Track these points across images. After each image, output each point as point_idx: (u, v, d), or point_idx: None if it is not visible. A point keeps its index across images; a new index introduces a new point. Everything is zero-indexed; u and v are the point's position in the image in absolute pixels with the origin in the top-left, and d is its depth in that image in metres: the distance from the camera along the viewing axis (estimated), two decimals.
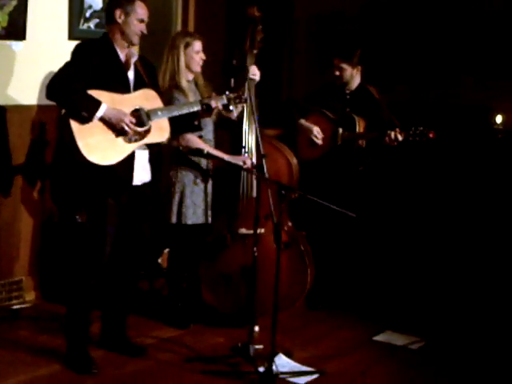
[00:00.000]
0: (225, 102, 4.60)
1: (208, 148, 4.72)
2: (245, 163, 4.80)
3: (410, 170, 6.23)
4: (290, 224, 5.07)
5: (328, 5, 6.97)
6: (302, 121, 5.60)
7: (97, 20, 5.52)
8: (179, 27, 6.40)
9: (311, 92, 5.79)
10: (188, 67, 4.93)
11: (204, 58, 4.96)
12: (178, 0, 6.44)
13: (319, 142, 5.52)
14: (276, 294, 4.21)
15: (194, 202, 4.90)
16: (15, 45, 5.13)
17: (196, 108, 4.51)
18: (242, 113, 4.92)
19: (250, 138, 4.89)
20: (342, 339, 5.06)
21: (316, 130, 5.52)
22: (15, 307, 5.20)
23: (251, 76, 4.82)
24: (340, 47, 5.64)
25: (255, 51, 4.86)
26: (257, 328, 4.91)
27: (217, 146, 4.99)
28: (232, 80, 4.63)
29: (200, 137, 4.90)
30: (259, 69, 4.92)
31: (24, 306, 5.26)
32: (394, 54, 6.65)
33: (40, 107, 5.25)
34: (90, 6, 5.48)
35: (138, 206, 4.42)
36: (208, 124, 4.95)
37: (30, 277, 5.42)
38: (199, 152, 4.43)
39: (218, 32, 6.50)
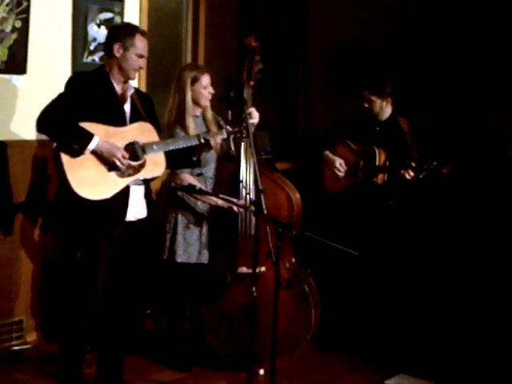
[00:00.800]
0: (224, 136, 4.42)
1: (202, 186, 4.58)
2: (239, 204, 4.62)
3: (431, 204, 6.01)
4: (293, 261, 4.86)
5: (343, 34, 6.82)
6: (327, 152, 5.43)
7: (101, 53, 5.38)
8: (189, 59, 6.27)
9: (341, 119, 5.61)
10: (196, 103, 4.75)
11: (212, 91, 4.78)
12: (188, 31, 6.33)
13: (341, 174, 5.35)
14: (274, 336, 3.98)
15: (187, 240, 4.71)
16: (15, 79, 5.03)
17: (193, 142, 4.34)
18: (239, 147, 4.71)
19: (247, 173, 4.69)
20: (354, 383, 4.82)
21: (338, 163, 5.35)
22: (15, 348, 5.06)
23: (251, 121, 4.61)
24: (369, 79, 5.47)
25: (252, 82, 4.66)
26: (262, 371, 4.75)
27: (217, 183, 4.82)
28: (229, 112, 4.45)
29: (200, 174, 4.74)
30: (261, 107, 4.75)
31: (24, 347, 5.12)
32: (416, 84, 6.48)
33: (41, 142, 5.10)
34: (95, 39, 5.38)
35: (132, 244, 4.24)
36: (210, 161, 4.77)
37: (31, 317, 5.26)
38: (191, 188, 4.24)
39: (229, 63, 6.35)
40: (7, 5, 4.85)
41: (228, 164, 4.80)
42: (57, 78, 5.13)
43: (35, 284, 5.27)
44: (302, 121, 7.21)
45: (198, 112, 4.82)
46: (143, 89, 5.74)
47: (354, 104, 5.62)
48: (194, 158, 4.42)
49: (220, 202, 4.62)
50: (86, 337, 4.27)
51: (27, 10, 4.96)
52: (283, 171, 6.51)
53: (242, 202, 4.63)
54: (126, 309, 4.35)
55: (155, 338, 5.34)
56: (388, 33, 6.70)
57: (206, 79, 4.75)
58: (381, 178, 5.25)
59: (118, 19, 5.50)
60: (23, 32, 4.96)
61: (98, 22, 5.40)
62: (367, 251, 5.14)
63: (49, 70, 5.18)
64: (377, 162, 5.24)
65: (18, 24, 4.93)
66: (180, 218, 4.71)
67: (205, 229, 4.76)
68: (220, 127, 4.74)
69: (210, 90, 4.77)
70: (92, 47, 5.39)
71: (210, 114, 4.85)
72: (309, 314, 4.71)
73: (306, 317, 4.71)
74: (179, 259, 4.70)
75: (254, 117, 4.72)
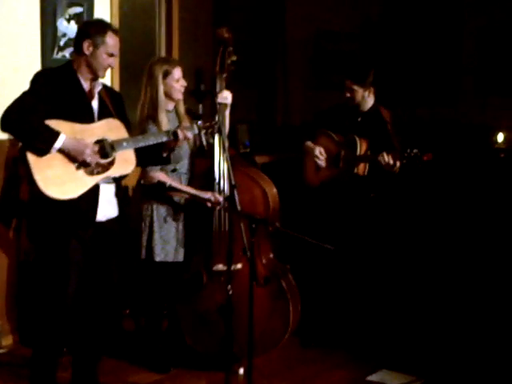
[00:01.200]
0: (196, 131, 4.28)
1: (172, 182, 4.48)
2: (211, 199, 4.52)
3: (413, 195, 5.92)
4: (270, 256, 4.76)
5: (320, 24, 6.72)
6: (308, 142, 5.33)
7: (72, 49, 5.22)
8: (163, 53, 6.14)
9: (323, 111, 5.51)
10: (168, 96, 4.63)
11: (185, 84, 4.66)
12: (161, 25, 6.20)
13: (321, 163, 5.24)
14: (250, 334, 3.89)
15: (163, 238, 4.60)
16: None
17: (164, 138, 4.19)
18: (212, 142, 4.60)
19: (221, 168, 4.57)
20: (335, 380, 4.72)
21: (318, 150, 5.24)
22: None
23: (221, 100, 4.50)
24: (350, 68, 5.36)
25: (225, 75, 4.55)
26: (241, 370, 4.65)
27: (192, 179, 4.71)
28: (200, 106, 4.33)
29: (174, 170, 4.62)
30: (233, 91, 4.62)
31: (0, 351, 5.01)
32: (395, 73, 6.39)
33: (13, 142, 4.97)
34: (65, 35, 5.24)
35: (104, 244, 4.13)
36: (184, 156, 4.66)
37: (6, 320, 5.13)
38: (161, 186, 4.13)
39: (204, 57, 6.23)
40: None
41: (202, 159, 4.69)
42: (26, 76, 4.92)
43: (10, 287, 5.15)
44: (281, 113, 7.11)
45: (171, 106, 4.70)
46: (116, 84, 5.64)
47: (333, 95, 5.53)
48: (165, 155, 4.28)
49: (199, 193, 4.52)
50: (59, 339, 4.15)
51: None
52: (262, 164, 6.44)
53: (209, 195, 4.53)
54: (100, 310, 4.23)
55: (134, 339, 5.23)
56: (366, 21, 6.60)
57: (177, 72, 4.63)
58: (362, 168, 5.14)
59: (87, 13, 5.36)
60: None
61: (68, 16, 5.25)
62: (349, 244, 5.08)
63: (17, 67, 5.04)
64: (358, 152, 5.13)
65: None
66: (155, 214, 4.60)
67: (181, 225, 4.65)
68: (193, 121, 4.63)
69: (183, 82, 4.65)
70: (62, 43, 5.24)
71: (182, 107, 4.73)
72: (287, 311, 4.60)
73: (284, 314, 4.60)
74: (157, 258, 4.59)
75: (226, 97, 4.59)
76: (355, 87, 5.17)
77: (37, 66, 5.12)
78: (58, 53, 5.24)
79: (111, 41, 4.05)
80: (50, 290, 4.06)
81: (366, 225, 5.12)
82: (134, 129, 4.55)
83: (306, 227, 5.35)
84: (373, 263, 5.15)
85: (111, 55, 4.06)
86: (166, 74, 4.61)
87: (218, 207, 4.51)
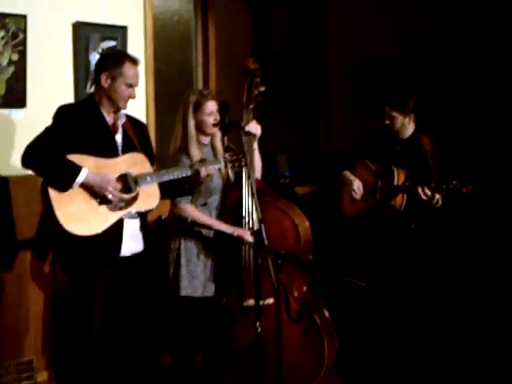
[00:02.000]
0: (222, 165, 4.19)
1: (199, 216, 4.39)
2: (234, 235, 4.41)
3: (455, 227, 5.67)
4: (304, 290, 4.60)
5: (364, 50, 6.57)
6: (346, 172, 5.17)
7: None
8: (200, 84, 6.09)
9: (362, 140, 5.35)
10: (200, 130, 4.51)
11: (218, 118, 4.50)
12: (198, 55, 6.14)
13: (357, 197, 5.07)
14: (278, 372, 3.78)
15: (191, 273, 4.49)
16: (15, 113, 4.91)
17: (188, 173, 4.11)
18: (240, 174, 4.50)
19: (248, 202, 4.44)
20: None
21: (357, 185, 5.08)
22: None
23: (251, 130, 4.39)
24: (390, 94, 5.18)
25: (252, 106, 4.45)
26: None
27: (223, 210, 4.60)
28: (225, 138, 4.24)
29: (204, 204, 4.52)
30: (260, 123, 4.51)
31: None
32: (439, 99, 6.20)
33: None
34: None
35: (129, 279, 4.07)
36: (215, 190, 4.55)
37: (41, 356, 5.09)
38: (182, 222, 4.04)
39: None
40: (2, 38, 4.73)
41: (235, 190, 4.58)
42: None
43: (44, 322, 5.11)
44: (323, 142, 6.97)
45: (206, 140, 4.58)
46: (152, 115, 5.58)
47: (377, 123, 5.36)
48: (186, 187, 4.20)
49: (223, 227, 4.42)
50: (87, 375, 4.06)
51: (24, 43, 4.84)
52: (303, 195, 6.31)
53: (238, 231, 4.42)
54: (128, 345, 4.16)
55: (171, 375, 5.12)
56: (410, 45, 6.42)
57: (210, 105, 4.49)
58: (399, 200, 4.95)
59: (121, 47, 5.34)
60: (21, 65, 4.84)
61: (101, 50, 5.24)
62: (387, 277, 4.90)
63: (50, 102, 4.96)
64: (395, 182, 4.96)
65: (15, 57, 4.82)
66: (183, 248, 4.50)
67: (210, 260, 4.54)
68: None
69: (216, 116, 4.50)
70: None
71: (219, 142, 4.58)
72: (321, 347, 4.44)
73: (319, 350, 4.44)
74: (183, 292, 4.49)
75: (255, 129, 4.48)
76: (394, 114, 5.00)
77: (70, 100, 5.13)
78: (91, 86, 5.21)
79: (129, 71, 4.01)
80: (76, 325, 4.01)
81: (404, 258, 4.91)
82: (168, 160, 4.52)
83: (343, 259, 5.22)
84: (412, 299, 4.94)
85: (130, 86, 4.02)
86: (197, 107, 4.50)
87: (244, 242, 4.38)
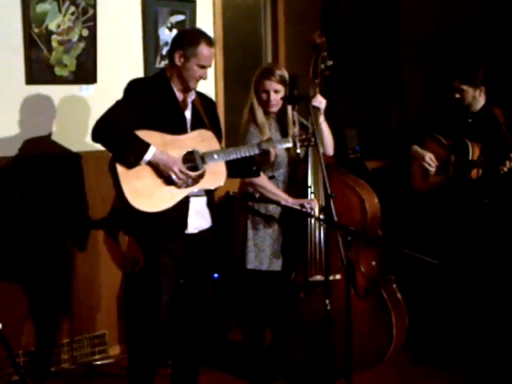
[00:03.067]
0: (290, 144, 4.09)
1: (269, 188, 4.34)
2: (304, 206, 4.33)
3: None
4: (373, 265, 4.52)
5: (436, 22, 6.39)
6: (415, 147, 5.05)
7: None
8: (269, 58, 6.03)
9: (430, 112, 5.24)
10: (262, 106, 4.49)
11: (277, 97, 4.42)
12: (267, 29, 6.09)
13: (432, 169, 4.96)
14: (349, 350, 3.71)
15: (258, 246, 4.46)
16: (86, 89, 4.94)
17: (256, 151, 4.01)
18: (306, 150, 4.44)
19: (316, 177, 4.38)
20: None
21: (428, 157, 4.96)
22: (98, 363, 5.01)
23: (315, 104, 4.32)
24: (459, 67, 5.06)
25: (318, 80, 4.37)
26: None
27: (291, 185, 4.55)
28: (294, 113, 4.16)
29: (272, 177, 4.48)
30: (327, 98, 4.43)
31: (107, 361, 5.05)
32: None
33: None
34: (167, 43, 5.18)
35: (196, 256, 4.04)
36: (282, 164, 4.51)
37: (113, 330, 5.17)
38: (249, 196, 3.99)
39: None
40: (72, 13, 4.75)
41: (302, 165, 4.52)
42: None
43: (117, 297, 5.18)
44: (395, 116, 6.83)
45: (272, 114, 4.55)
46: (221, 88, 5.56)
47: (451, 96, 5.22)
48: (254, 168, 4.13)
49: (290, 201, 4.36)
50: (153, 351, 4.06)
51: (94, 18, 4.85)
52: (374, 170, 6.21)
53: (301, 203, 4.35)
54: (196, 323, 4.16)
55: (240, 351, 5.11)
56: (483, 16, 6.21)
57: (267, 84, 4.43)
58: (475, 173, 4.84)
59: (190, 21, 5.31)
60: (91, 40, 4.86)
61: (169, 25, 5.23)
62: (460, 255, 4.79)
63: (120, 77, 4.96)
64: (470, 157, 4.84)
65: (85, 33, 4.83)
66: (250, 222, 4.48)
67: (277, 234, 4.50)
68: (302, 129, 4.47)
69: (273, 96, 4.43)
70: (164, 52, 5.21)
71: (289, 115, 4.50)
72: (389, 324, 4.35)
73: (387, 326, 4.36)
74: (250, 265, 4.46)
75: (320, 102, 4.41)
76: (464, 87, 4.88)
77: (139, 75, 5.14)
78: (160, 62, 5.23)
79: (204, 52, 3.93)
80: (144, 301, 4.01)
81: (479, 234, 4.80)
82: (239, 129, 4.54)
83: (415, 235, 5.11)
84: (487, 276, 4.82)
85: (203, 67, 3.95)
86: (257, 84, 4.48)
87: (312, 214, 4.32)
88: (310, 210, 4.31)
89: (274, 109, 4.48)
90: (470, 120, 4.97)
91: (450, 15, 6.36)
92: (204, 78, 4.00)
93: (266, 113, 4.50)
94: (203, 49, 3.92)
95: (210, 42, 3.98)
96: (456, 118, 5.00)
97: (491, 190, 4.86)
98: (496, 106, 4.98)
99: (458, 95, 4.92)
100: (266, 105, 4.46)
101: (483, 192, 4.85)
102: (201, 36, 3.98)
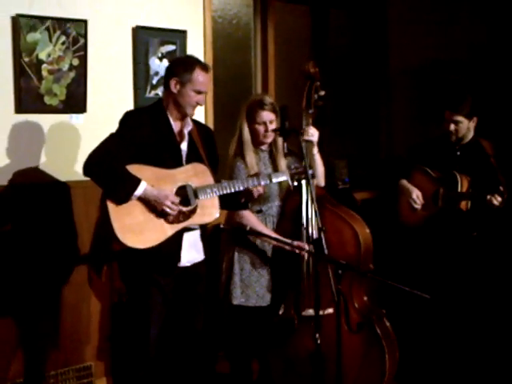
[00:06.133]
0: (286, 178, 4.08)
1: (257, 224, 4.31)
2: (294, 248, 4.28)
3: None
4: (364, 300, 4.49)
5: (426, 53, 6.42)
6: (403, 181, 5.07)
7: None
8: (259, 89, 6.03)
9: (417, 144, 5.24)
10: (254, 137, 4.46)
11: (272, 127, 4.40)
12: (257, 60, 6.09)
13: (417, 207, 4.97)
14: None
15: (244, 282, 4.43)
16: (76, 118, 4.91)
17: (251, 184, 4.00)
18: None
19: (308, 211, 4.32)
20: None
21: (415, 194, 4.97)
22: None
23: (307, 137, 4.30)
24: (451, 98, 5.06)
25: (311, 111, 4.35)
26: None
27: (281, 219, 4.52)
28: (285, 145, 4.15)
29: (259, 211, 4.45)
30: (318, 128, 4.41)
31: None
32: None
33: None
34: (157, 73, 5.19)
35: (188, 289, 4.02)
36: (272, 197, 4.48)
37: (100, 362, 5.09)
38: (240, 229, 3.96)
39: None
40: (63, 43, 4.73)
41: (292, 198, 4.49)
42: (119, 115, 4.97)
43: (103, 328, 5.10)
44: (384, 146, 6.84)
45: (264, 147, 4.54)
46: (210, 119, 5.53)
47: (440, 127, 5.23)
48: (242, 200, 4.12)
49: (275, 238, 4.31)
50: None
51: (84, 48, 4.81)
52: (363, 201, 6.20)
53: (297, 243, 4.31)
54: (184, 355, 4.13)
55: (228, 382, 5.07)
56: (473, 47, 6.26)
57: (262, 115, 4.41)
58: (464, 205, 4.85)
59: (180, 51, 5.31)
60: (81, 70, 4.82)
61: (160, 55, 5.21)
62: (448, 288, 4.78)
63: (110, 106, 5.01)
64: (459, 189, 4.85)
65: (76, 62, 4.80)
66: (237, 256, 4.44)
67: (265, 270, 4.47)
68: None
69: (270, 127, 4.42)
70: (154, 81, 5.19)
71: (279, 147, 4.47)
72: (382, 359, 4.32)
73: (380, 362, 4.33)
74: (235, 301, 4.42)
75: (312, 134, 4.36)
76: (460, 118, 4.88)
77: (129, 105, 5.11)
78: (150, 91, 5.21)
79: (199, 77, 3.94)
80: (134, 334, 3.98)
81: (467, 267, 4.79)
82: (226, 163, 4.49)
83: (405, 268, 5.10)
84: (477, 311, 4.81)
85: (199, 92, 3.95)
86: (250, 115, 4.45)
87: (303, 253, 4.29)
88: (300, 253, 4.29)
89: (269, 140, 4.46)
90: (458, 152, 4.98)
91: (440, 47, 6.40)
92: (201, 104, 4.00)
93: (258, 144, 4.48)
94: (198, 74, 3.94)
95: (204, 67, 4.00)
96: (444, 150, 5.01)
97: (480, 223, 4.86)
98: (484, 138, 4.99)
99: (452, 127, 4.91)
100: (262, 136, 4.44)
101: (472, 225, 4.86)
102: (195, 62, 4.01)
